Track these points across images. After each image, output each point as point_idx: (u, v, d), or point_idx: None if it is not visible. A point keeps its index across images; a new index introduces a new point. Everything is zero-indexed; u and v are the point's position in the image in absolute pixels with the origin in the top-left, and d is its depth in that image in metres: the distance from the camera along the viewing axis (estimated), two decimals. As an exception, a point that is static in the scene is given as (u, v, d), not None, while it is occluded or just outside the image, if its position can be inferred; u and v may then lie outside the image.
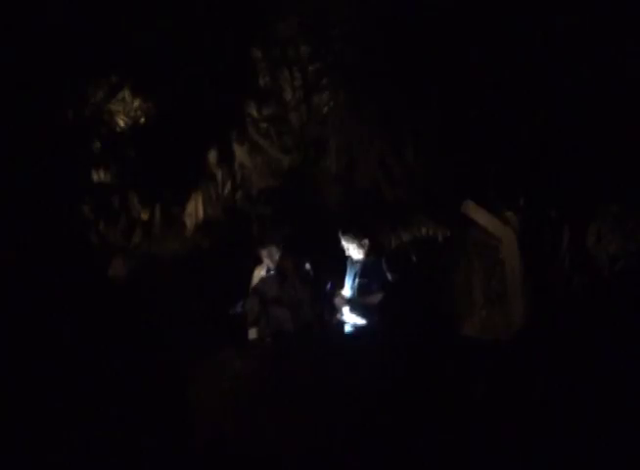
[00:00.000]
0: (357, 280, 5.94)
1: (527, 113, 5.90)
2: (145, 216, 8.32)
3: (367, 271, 5.90)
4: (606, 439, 3.75)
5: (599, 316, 4.58)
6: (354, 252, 5.95)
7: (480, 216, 6.58)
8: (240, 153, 8.48)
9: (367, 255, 5.93)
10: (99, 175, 7.66)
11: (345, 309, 5.92)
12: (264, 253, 6.19)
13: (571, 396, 4.00)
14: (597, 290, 5.29)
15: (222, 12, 7.26)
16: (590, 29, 5.93)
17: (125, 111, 7.68)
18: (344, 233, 6.00)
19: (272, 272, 6.17)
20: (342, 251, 6.03)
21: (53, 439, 2.34)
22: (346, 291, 6.01)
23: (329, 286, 6.06)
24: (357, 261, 5.97)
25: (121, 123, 7.69)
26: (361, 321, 5.87)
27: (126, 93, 7.55)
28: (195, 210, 8.45)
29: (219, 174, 8.53)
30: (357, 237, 5.92)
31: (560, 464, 3.76)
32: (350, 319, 5.92)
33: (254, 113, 8.30)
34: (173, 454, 3.00)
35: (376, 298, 5.79)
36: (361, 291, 5.91)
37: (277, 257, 6.15)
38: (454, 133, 6.96)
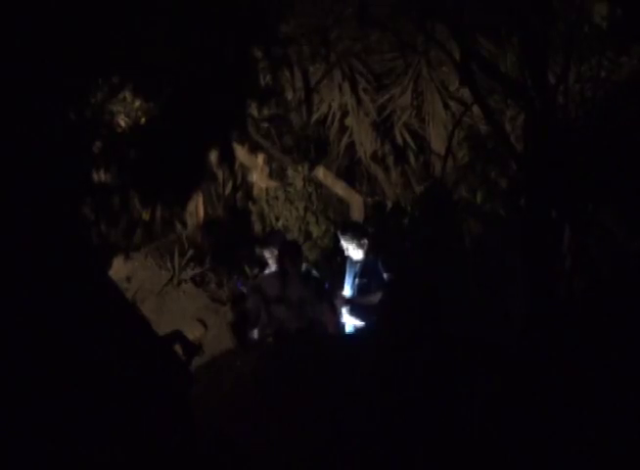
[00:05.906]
0: (357, 280, 5.94)
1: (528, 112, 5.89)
2: (146, 217, 8.32)
3: (367, 271, 5.90)
4: (607, 439, 3.75)
5: (600, 317, 4.58)
6: (354, 252, 5.94)
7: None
8: (241, 153, 8.49)
9: (366, 254, 5.93)
10: (99, 176, 7.66)
11: (345, 310, 5.92)
12: (267, 253, 6.18)
13: (573, 396, 4.01)
14: (598, 290, 5.28)
15: (223, 11, 7.25)
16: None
17: (126, 111, 7.67)
18: (343, 233, 5.99)
19: (268, 271, 6.16)
20: (342, 251, 6.03)
21: (50, 439, 2.36)
22: (346, 291, 6.02)
23: (327, 286, 6.06)
24: (357, 261, 5.97)
25: (122, 124, 7.69)
26: (360, 323, 5.87)
27: (127, 93, 7.54)
28: (196, 210, 8.47)
29: (220, 174, 8.54)
30: (356, 237, 5.91)
31: (561, 464, 3.77)
32: (349, 321, 5.92)
33: (255, 113, 8.30)
34: (174, 455, 3.00)
35: (375, 297, 5.79)
36: (361, 291, 5.92)
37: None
38: (454, 133, 6.96)
